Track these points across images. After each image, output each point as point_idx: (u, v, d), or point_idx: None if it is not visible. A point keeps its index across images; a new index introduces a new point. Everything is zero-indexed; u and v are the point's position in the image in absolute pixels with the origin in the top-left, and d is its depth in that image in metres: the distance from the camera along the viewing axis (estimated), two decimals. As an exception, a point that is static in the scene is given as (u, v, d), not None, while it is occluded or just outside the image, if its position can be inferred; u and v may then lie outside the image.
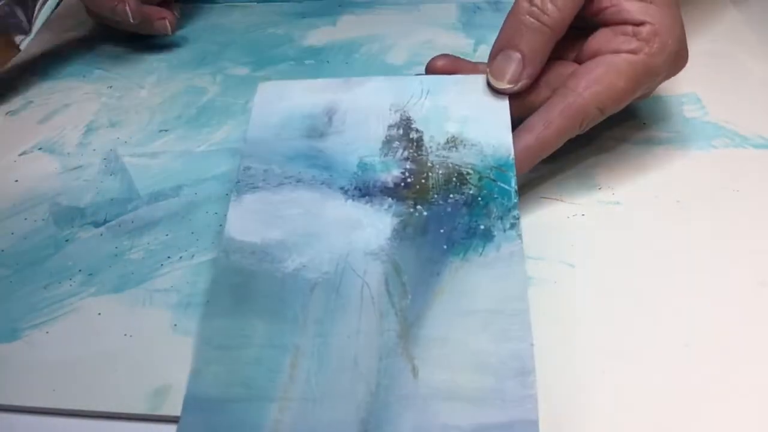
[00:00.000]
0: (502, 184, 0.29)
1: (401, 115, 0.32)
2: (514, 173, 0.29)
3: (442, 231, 0.27)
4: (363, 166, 0.30)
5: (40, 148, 0.39)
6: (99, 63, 0.47)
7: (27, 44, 0.44)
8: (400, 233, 0.28)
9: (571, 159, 0.36)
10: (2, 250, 0.33)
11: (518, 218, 0.28)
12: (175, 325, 0.28)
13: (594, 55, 0.32)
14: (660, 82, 0.34)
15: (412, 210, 0.28)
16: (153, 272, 0.31)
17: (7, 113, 0.43)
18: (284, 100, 0.33)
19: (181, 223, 0.34)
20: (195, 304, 0.29)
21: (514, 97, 0.32)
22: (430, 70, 0.34)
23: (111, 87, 0.45)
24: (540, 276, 0.30)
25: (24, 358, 0.28)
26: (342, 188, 0.29)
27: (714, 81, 0.38)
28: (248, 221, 0.28)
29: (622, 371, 0.26)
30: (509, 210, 0.28)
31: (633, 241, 0.31)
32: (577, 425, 0.24)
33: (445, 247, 0.27)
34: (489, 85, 0.31)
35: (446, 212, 0.28)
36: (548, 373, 0.26)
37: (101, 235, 0.33)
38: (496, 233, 0.27)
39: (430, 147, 0.30)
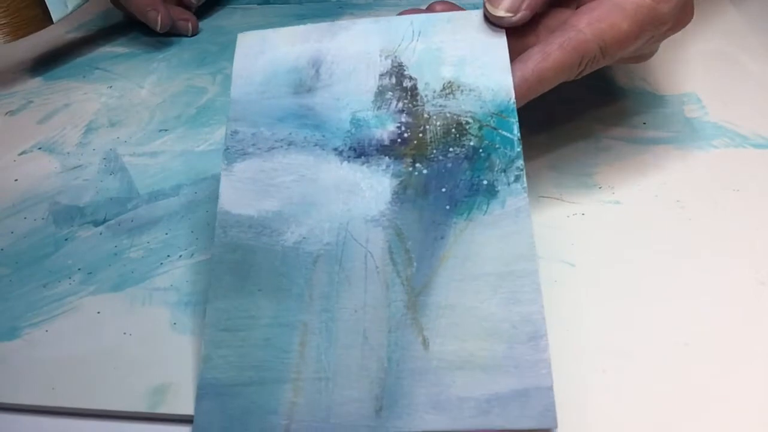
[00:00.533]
0: (504, 132, 0.27)
1: (392, 61, 0.29)
2: (516, 119, 0.27)
3: (443, 190, 0.26)
4: (356, 123, 0.28)
5: (39, 148, 0.39)
6: (99, 63, 0.47)
7: (61, 18, 0.45)
8: (400, 196, 0.27)
9: (571, 159, 0.36)
10: (2, 249, 0.33)
11: (522, 169, 0.26)
12: (175, 323, 0.28)
13: None
14: (664, 35, 0.32)
15: (411, 169, 0.27)
16: (152, 271, 0.31)
17: (7, 113, 0.43)
18: (266, 53, 0.30)
19: (181, 222, 0.34)
20: (194, 303, 0.29)
21: (512, 38, 0.30)
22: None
23: (111, 87, 0.45)
24: (540, 275, 0.30)
25: (23, 356, 0.28)
26: (336, 149, 0.28)
27: (714, 81, 0.38)
28: (242, 192, 0.27)
29: (623, 371, 0.26)
30: (513, 161, 0.27)
31: (633, 241, 0.31)
32: (577, 425, 0.24)
33: (447, 207, 0.26)
34: (485, 18, 0.29)
35: (447, 168, 0.27)
36: (548, 372, 0.26)
37: (101, 234, 0.33)
38: (500, 188, 0.26)
39: (426, 96, 0.28)
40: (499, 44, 0.29)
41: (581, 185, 0.34)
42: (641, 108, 0.40)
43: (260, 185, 0.28)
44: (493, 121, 0.28)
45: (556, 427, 0.23)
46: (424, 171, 0.27)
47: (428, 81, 0.29)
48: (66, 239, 0.33)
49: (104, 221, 0.34)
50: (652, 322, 0.28)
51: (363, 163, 0.27)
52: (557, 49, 0.29)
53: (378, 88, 0.29)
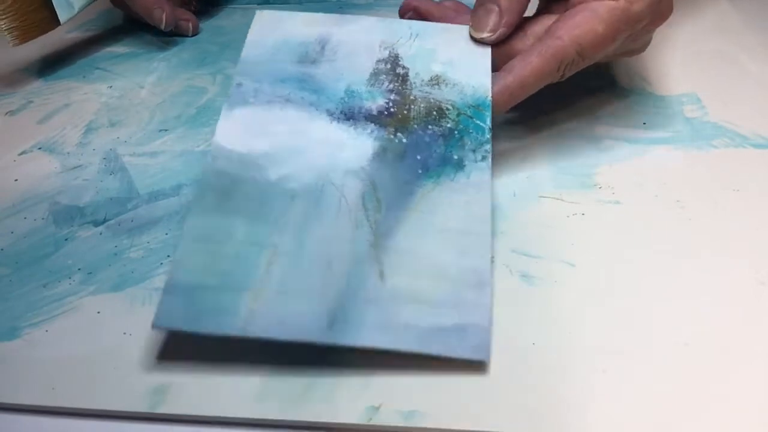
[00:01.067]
0: (478, 122, 0.31)
1: (390, 52, 0.34)
2: (491, 113, 0.31)
3: (418, 157, 0.30)
4: (350, 93, 0.32)
5: (39, 148, 0.39)
6: (99, 63, 0.47)
7: (68, 19, 0.45)
8: (379, 156, 0.30)
9: (571, 158, 0.36)
10: (2, 249, 0.33)
11: (490, 152, 0.30)
12: (175, 323, 0.28)
13: (578, 5, 0.33)
14: (644, 31, 0.34)
15: (392, 137, 0.30)
16: (152, 271, 0.31)
17: (7, 113, 0.43)
18: (279, 29, 0.35)
19: (181, 222, 0.34)
20: (194, 303, 0.29)
21: (502, 46, 0.34)
22: (405, 8, 0.37)
23: (111, 87, 0.45)
24: (540, 275, 0.30)
25: (23, 356, 0.28)
26: (328, 111, 0.31)
27: (714, 81, 0.38)
28: (237, 132, 0.30)
29: (623, 370, 0.26)
30: (482, 144, 0.30)
31: (633, 241, 0.31)
32: (577, 425, 0.24)
33: (420, 171, 0.29)
34: (471, 37, 0.33)
35: (424, 141, 0.30)
36: (548, 372, 0.26)
37: (101, 234, 0.33)
38: (467, 163, 0.30)
39: (415, 83, 0.32)
40: (484, 54, 0.33)
41: (581, 185, 0.34)
42: (641, 108, 0.40)
43: (254, 129, 0.31)
44: (470, 111, 0.31)
45: (488, 360, 0.26)
46: (404, 140, 0.30)
47: (419, 72, 0.33)
48: (66, 239, 0.33)
49: (104, 221, 0.34)
50: (652, 322, 0.28)
51: (350, 126, 0.31)
52: (536, 57, 0.32)
53: (374, 70, 0.33)
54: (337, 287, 0.26)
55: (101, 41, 0.50)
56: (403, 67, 0.33)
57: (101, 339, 0.28)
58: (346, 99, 0.32)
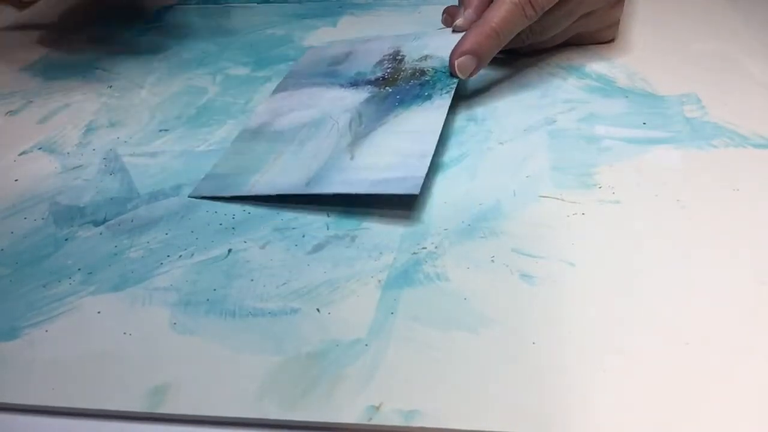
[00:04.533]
0: (451, 77, 0.39)
1: (395, 49, 0.43)
2: (457, 81, 0.39)
3: (398, 97, 0.39)
4: (358, 73, 0.42)
5: (40, 148, 0.39)
6: (99, 63, 0.47)
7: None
8: (369, 100, 0.39)
9: (572, 158, 0.36)
10: (2, 249, 0.33)
11: (453, 89, 0.38)
12: (175, 323, 0.28)
13: None
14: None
15: (381, 89, 0.40)
16: (152, 271, 0.31)
17: (7, 113, 0.43)
18: (321, 54, 0.46)
19: (181, 222, 0.34)
20: (194, 303, 0.29)
21: None
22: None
23: (111, 87, 0.45)
24: (540, 275, 0.30)
25: (23, 356, 0.28)
26: (340, 84, 0.42)
27: (714, 81, 0.38)
28: (274, 104, 0.42)
29: (623, 370, 0.26)
30: (449, 86, 0.38)
31: (633, 241, 0.31)
32: (577, 425, 0.24)
33: (396, 104, 0.38)
34: (451, 73, 0.39)
35: (405, 89, 0.39)
36: (548, 372, 0.26)
37: (101, 234, 0.33)
38: (434, 96, 0.38)
39: (408, 61, 0.42)
40: None
41: (581, 185, 0.34)
42: (641, 108, 0.40)
43: (286, 101, 0.42)
44: (445, 70, 0.40)
45: (417, 192, 0.31)
46: (389, 90, 0.40)
47: (413, 56, 0.42)
48: (66, 239, 0.33)
49: (104, 221, 0.34)
50: (652, 321, 0.28)
51: (353, 89, 0.41)
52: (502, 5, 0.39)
53: (380, 60, 0.43)
54: (317, 165, 0.35)
55: (101, 41, 0.50)
56: (402, 55, 0.42)
57: (101, 339, 0.28)
58: (354, 77, 0.42)
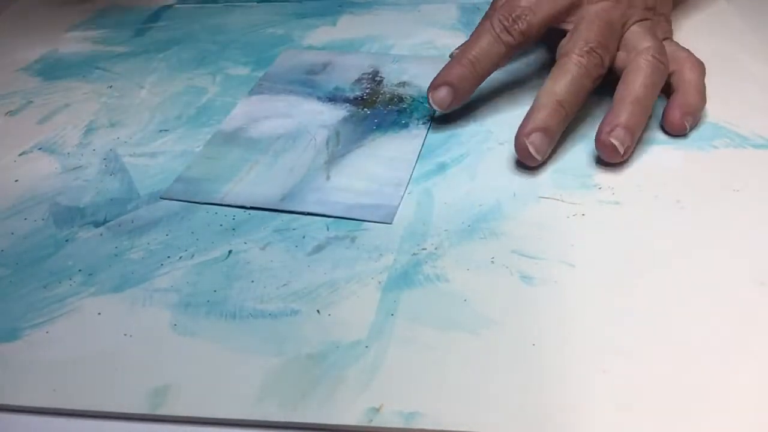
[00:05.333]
0: (428, 107, 0.39)
1: (374, 69, 0.45)
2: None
3: (376, 121, 0.40)
4: (337, 88, 0.43)
5: (40, 148, 0.39)
6: (99, 63, 0.47)
7: None
8: (347, 119, 0.40)
9: (571, 159, 0.36)
10: (2, 250, 0.33)
11: (431, 120, 0.40)
12: (175, 324, 0.28)
13: None
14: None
15: (360, 110, 0.41)
16: (153, 272, 0.31)
17: (7, 113, 0.43)
18: (297, 58, 0.47)
19: (181, 222, 0.34)
20: (195, 304, 0.29)
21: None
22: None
23: (111, 87, 0.45)
24: (540, 276, 0.30)
25: (24, 357, 0.28)
26: (318, 97, 0.42)
27: (714, 81, 0.38)
28: (249, 107, 0.42)
29: (623, 371, 0.26)
30: (426, 116, 0.40)
31: (633, 241, 0.31)
32: (577, 425, 0.24)
33: (374, 127, 0.39)
34: (429, 102, 0.39)
35: (382, 113, 0.40)
36: (548, 372, 0.26)
37: (101, 234, 0.33)
38: (410, 125, 0.39)
39: (386, 84, 0.43)
40: None
41: (581, 185, 0.34)
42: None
43: (262, 104, 0.42)
44: (423, 100, 0.41)
45: (390, 222, 0.33)
46: (368, 111, 0.41)
47: (391, 79, 0.43)
48: (66, 240, 0.33)
49: (104, 222, 0.34)
50: (652, 322, 0.28)
51: (331, 104, 0.41)
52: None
53: (358, 78, 0.44)
54: (292, 182, 0.35)
55: (101, 41, 0.50)
56: (380, 77, 0.44)
57: (102, 340, 0.28)
58: (333, 91, 0.43)
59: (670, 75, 0.38)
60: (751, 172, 0.35)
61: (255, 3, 0.55)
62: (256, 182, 0.35)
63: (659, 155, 0.36)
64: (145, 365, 0.27)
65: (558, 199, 0.34)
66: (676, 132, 0.37)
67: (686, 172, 0.35)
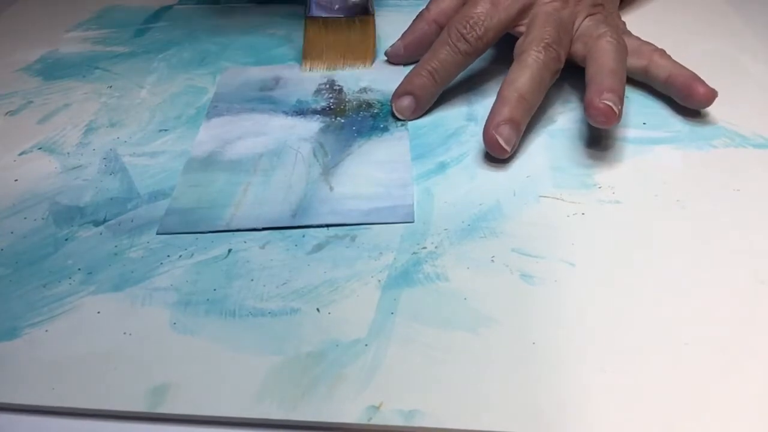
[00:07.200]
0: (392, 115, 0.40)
1: (327, 78, 0.45)
2: None
3: (354, 128, 0.40)
4: (300, 101, 0.42)
5: (39, 148, 0.39)
6: (99, 63, 0.47)
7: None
8: (324, 130, 0.40)
9: (571, 159, 0.36)
10: (2, 249, 0.33)
11: (407, 122, 0.40)
12: (175, 323, 0.28)
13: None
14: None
15: (333, 119, 0.41)
16: (152, 271, 0.31)
17: (7, 113, 0.43)
18: (243, 75, 0.45)
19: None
20: (194, 303, 0.29)
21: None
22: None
23: (111, 87, 0.45)
24: (540, 275, 0.30)
25: (23, 356, 0.28)
26: (284, 111, 0.42)
27: (714, 81, 0.38)
28: (214, 130, 0.40)
29: (623, 370, 0.26)
30: (403, 121, 0.40)
31: (633, 241, 0.31)
32: (577, 425, 0.24)
33: (355, 135, 0.39)
34: (391, 110, 0.41)
35: (357, 120, 0.40)
36: (548, 372, 0.26)
37: (101, 234, 0.33)
38: (391, 128, 0.40)
39: (348, 92, 0.43)
40: (399, 79, 0.41)
41: (581, 185, 0.34)
42: (641, 108, 0.40)
43: (229, 126, 0.41)
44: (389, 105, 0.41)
45: (413, 221, 0.33)
46: (342, 121, 0.40)
47: (350, 87, 0.44)
48: (66, 239, 0.33)
49: (104, 221, 0.34)
50: (652, 322, 0.28)
51: (301, 117, 0.41)
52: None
53: (317, 89, 0.44)
54: (297, 197, 0.35)
55: (101, 41, 0.50)
56: (338, 85, 0.44)
57: (101, 339, 0.28)
58: (296, 105, 0.42)
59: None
60: (751, 172, 0.35)
61: (255, 3, 0.55)
62: (256, 203, 0.34)
63: (659, 155, 0.36)
64: (144, 364, 0.27)
65: (558, 199, 0.34)
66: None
67: (686, 171, 0.35)
